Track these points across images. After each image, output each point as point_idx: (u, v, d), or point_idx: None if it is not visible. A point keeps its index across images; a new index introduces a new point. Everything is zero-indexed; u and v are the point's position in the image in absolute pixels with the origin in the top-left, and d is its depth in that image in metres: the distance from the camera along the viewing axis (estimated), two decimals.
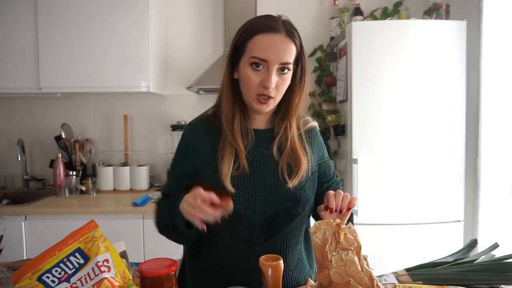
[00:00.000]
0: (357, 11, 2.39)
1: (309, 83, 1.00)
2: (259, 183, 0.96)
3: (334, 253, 0.70)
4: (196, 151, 0.98)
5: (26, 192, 2.48)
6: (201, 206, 0.80)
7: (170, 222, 0.92)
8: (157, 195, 2.26)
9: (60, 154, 2.42)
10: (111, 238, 0.73)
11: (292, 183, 0.95)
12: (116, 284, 0.65)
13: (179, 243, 1.03)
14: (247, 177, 0.96)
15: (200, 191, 0.81)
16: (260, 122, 1.02)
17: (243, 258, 0.96)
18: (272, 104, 0.95)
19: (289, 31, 0.92)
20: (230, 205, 0.81)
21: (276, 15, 0.96)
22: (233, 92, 0.97)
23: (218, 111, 1.00)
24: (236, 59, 0.95)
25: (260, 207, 0.96)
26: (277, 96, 0.94)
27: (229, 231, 0.97)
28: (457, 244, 2.00)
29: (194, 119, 1.07)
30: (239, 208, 0.95)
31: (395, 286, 0.78)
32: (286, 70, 0.92)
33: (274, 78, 0.91)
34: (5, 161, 2.60)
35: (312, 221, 0.98)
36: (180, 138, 1.04)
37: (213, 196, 0.80)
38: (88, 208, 2.12)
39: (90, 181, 2.38)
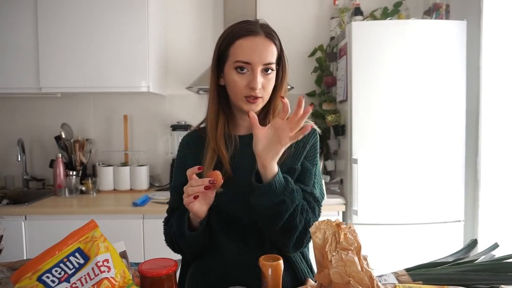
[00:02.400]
0: (357, 11, 2.39)
1: (287, 82, 1.03)
2: (243, 185, 0.96)
3: (334, 253, 0.70)
4: (188, 160, 1.02)
5: (26, 192, 2.49)
6: (192, 183, 0.86)
7: (177, 229, 0.96)
8: (157, 195, 2.27)
9: (60, 154, 2.42)
10: (111, 238, 0.72)
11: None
12: (116, 284, 0.65)
13: (191, 254, 1.02)
14: (233, 181, 0.96)
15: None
16: (244, 129, 1.03)
17: (239, 260, 0.97)
18: (261, 104, 0.96)
19: (268, 32, 0.95)
20: (219, 176, 0.86)
21: (253, 19, 0.98)
22: (218, 99, 1.00)
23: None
24: (220, 66, 0.98)
25: (247, 208, 0.96)
26: (264, 96, 0.96)
27: (222, 234, 0.98)
28: (457, 244, 2.00)
29: (187, 132, 1.12)
30: (229, 211, 0.97)
31: (395, 286, 0.78)
32: (270, 71, 0.94)
33: (260, 79, 0.92)
34: (5, 161, 2.60)
35: None
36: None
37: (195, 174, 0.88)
38: (88, 208, 2.12)
39: (90, 181, 2.38)
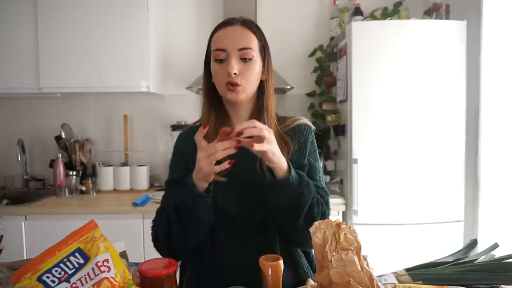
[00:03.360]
0: (357, 11, 2.38)
1: (274, 78, 1.03)
2: (244, 183, 0.96)
3: (334, 253, 0.70)
4: (188, 156, 0.99)
5: (26, 192, 2.49)
6: (217, 147, 0.81)
7: (182, 200, 0.89)
8: (157, 195, 2.27)
9: (60, 154, 2.42)
10: (111, 238, 0.72)
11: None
12: (116, 284, 0.65)
13: (194, 232, 0.94)
14: (232, 179, 0.95)
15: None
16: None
17: (241, 259, 0.96)
18: (242, 93, 0.95)
19: (245, 21, 0.98)
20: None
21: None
22: (210, 97, 1.02)
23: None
24: (208, 64, 1.00)
25: (250, 206, 0.96)
26: (246, 85, 0.95)
27: (223, 232, 0.97)
28: (457, 244, 2.00)
29: (182, 131, 1.11)
30: (230, 210, 0.96)
31: (395, 286, 0.78)
32: (248, 59, 0.95)
33: (235, 65, 0.93)
34: (5, 161, 2.60)
35: None
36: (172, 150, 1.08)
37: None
38: (88, 208, 2.12)
39: (90, 181, 2.38)
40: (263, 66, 1.00)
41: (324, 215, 0.94)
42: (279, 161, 0.87)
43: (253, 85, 0.98)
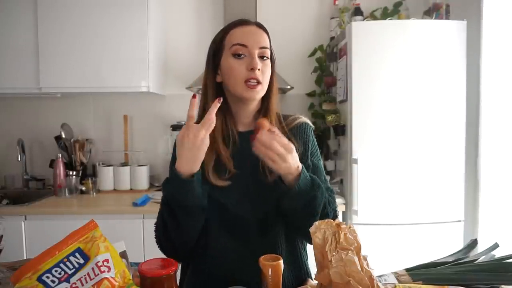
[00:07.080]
0: (357, 11, 2.39)
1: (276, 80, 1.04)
2: (246, 182, 0.96)
3: (334, 253, 0.70)
4: None
5: (26, 192, 2.48)
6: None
7: (172, 195, 0.89)
8: (157, 195, 2.27)
9: (60, 154, 2.42)
10: (111, 238, 0.72)
11: (272, 177, 0.93)
12: (116, 284, 0.65)
13: (187, 231, 0.93)
14: (234, 178, 0.96)
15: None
16: (243, 125, 1.03)
17: (241, 258, 0.96)
18: (261, 91, 0.96)
19: (260, 24, 1.00)
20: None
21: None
22: (216, 95, 0.99)
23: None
24: (217, 61, 0.99)
25: (250, 206, 0.96)
26: (264, 83, 0.96)
27: (224, 232, 0.97)
28: (457, 244, 2.00)
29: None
30: (232, 210, 0.96)
31: (395, 286, 0.78)
32: (265, 58, 0.96)
33: (258, 60, 0.94)
34: (5, 161, 2.60)
35: None
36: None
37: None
38: (88, 208, 2.12)
39: (90, 181, 2.38)
40: (272, 66, 1.00)
41: (335, 212, 0.97)
42: (286, 168, 0.87)
43: (267, 82, 0.98)
